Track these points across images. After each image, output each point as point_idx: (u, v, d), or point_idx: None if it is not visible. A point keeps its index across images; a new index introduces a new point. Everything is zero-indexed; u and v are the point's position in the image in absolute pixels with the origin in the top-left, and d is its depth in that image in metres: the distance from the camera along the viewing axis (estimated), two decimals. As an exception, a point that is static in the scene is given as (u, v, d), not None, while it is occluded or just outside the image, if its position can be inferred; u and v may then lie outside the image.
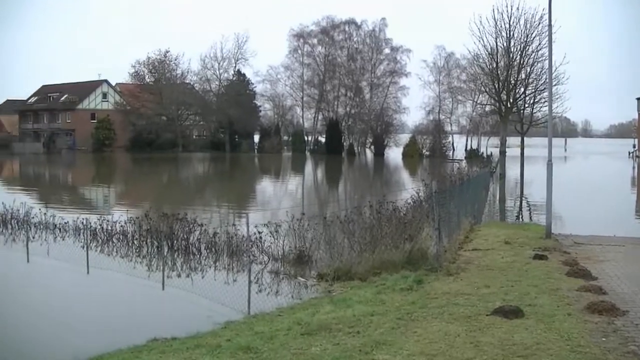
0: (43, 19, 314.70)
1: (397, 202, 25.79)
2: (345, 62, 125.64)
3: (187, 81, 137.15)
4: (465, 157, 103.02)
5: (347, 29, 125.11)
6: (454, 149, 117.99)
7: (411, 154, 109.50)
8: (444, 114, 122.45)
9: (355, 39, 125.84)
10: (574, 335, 11.17)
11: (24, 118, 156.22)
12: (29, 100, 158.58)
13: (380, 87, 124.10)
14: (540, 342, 10.79)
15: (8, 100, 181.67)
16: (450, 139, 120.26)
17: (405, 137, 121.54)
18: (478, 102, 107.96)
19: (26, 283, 22.10)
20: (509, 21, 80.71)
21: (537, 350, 10.40)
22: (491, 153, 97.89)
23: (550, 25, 25.84)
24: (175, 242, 25.36)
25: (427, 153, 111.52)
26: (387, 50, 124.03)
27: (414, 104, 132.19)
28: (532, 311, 12.76)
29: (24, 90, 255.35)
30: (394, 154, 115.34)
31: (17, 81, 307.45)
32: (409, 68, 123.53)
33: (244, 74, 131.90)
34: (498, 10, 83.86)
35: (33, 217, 30.84)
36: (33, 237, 28.26)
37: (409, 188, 38.96)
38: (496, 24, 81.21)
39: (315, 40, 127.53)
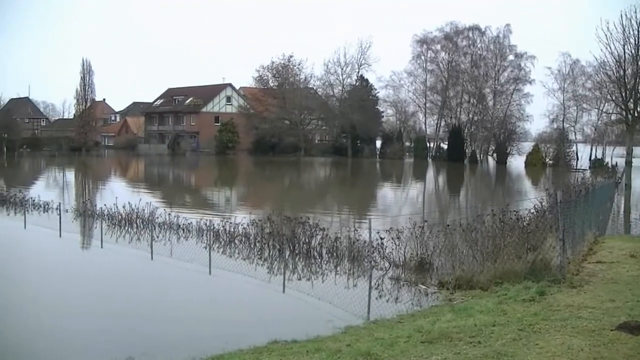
0: (171, 24, 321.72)
1: (520, 212, 25.47)
2: (469, 68, 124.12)
3: (310, 86, 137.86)
4: (590, 167, 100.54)
5: (470, 35, 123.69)
6: (577, 158, 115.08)
7: (534, 163, 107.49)
8: (568, 122, 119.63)
9: (479, 45, 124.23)
10: None
11: (150, 120, 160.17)
12: (155, 103, 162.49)
13: (503, 94, 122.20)
14: (668, 360, 10.51)
15: (135, 102, 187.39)
16: (574, 148, 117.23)
17: (528, 146, 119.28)
18: (604, 110, 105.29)
19: (149, 281, 22.73)
20: (638, 27, 78.39)
21: (663, 369, 10.15)
22: (616, 163, 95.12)
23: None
24: (296, 245, 25.59)
25: (551, 162, 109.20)
26: (511, 57, 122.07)
27: (538, 111, 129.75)
28: (659, 328, 12.37)
29: (150, 93, 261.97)
30: (517, 162, 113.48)
31: (143, 84, 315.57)
32: (533, 75, 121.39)
33: (366, 80, 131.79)
34: (626, 15, 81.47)
35: (157, 217, 31.64)
36: (157, 237, 28.99)
37: (531, 197, 38.33)
38: (624, 30, 78.91)
39: (438, 47, 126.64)
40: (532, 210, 27.66)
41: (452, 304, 16.20)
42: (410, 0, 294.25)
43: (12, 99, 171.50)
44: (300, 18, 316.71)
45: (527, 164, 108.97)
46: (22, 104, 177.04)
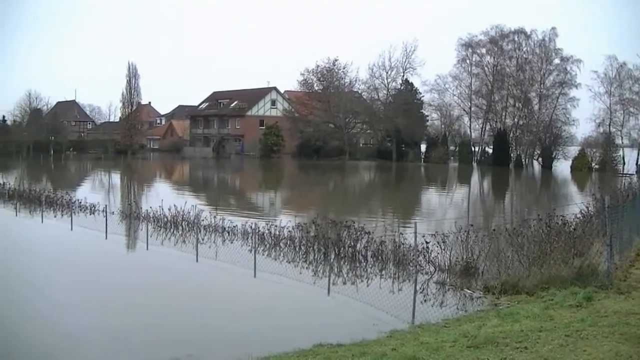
0: (216, 28, 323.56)
1: (566, 216, 25.27)
2: (514, 72, 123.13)
3: (355, 89, 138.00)
4: (637, 172, 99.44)
5: (516, 38, 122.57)
6: (624, 163, 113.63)
7: (580, 167, 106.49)
8: (614, 126, 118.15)
9: (524, 49, 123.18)
10: None
11: (195, 123, 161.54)
12: (200, 106, 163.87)
13: (549, 98, 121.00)
14: None
15: (180, 105, 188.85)
16: (620, 152, 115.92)
17: (574, 150, 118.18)
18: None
19: (194, 283, 22.86)
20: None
21: None
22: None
23: None
24: (341, 249, 25.59)
25: (597, 166, 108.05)
26: (556, 61, 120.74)
27: (584, 115, 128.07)
28: None
29: (195, 96, 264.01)
30: (562, 167, 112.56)
31: (188, 88, 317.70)
32: (579, 79, 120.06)
33: (411, 83, 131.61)
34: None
35: (203, 220, 31.80)
36: (202, 239, 29.07)
37: (577, 202, 38.01)
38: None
39: (483, 50, 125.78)
40: (579, 215, 27.43)
41: (498, 309, 16.12)
42: (455, 3, 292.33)
43: (59, 102, 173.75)
44: (344, 22, 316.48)
45: (573, 168, 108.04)
46: (69, 107, 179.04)
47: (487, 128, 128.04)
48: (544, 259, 20.01)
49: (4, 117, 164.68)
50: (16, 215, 39.52)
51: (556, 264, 19.21)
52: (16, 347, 15.27)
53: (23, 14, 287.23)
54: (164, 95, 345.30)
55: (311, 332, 15.51)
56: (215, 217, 32.35)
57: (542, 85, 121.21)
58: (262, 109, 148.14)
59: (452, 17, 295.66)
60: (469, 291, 19.57)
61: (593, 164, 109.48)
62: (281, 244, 27.72)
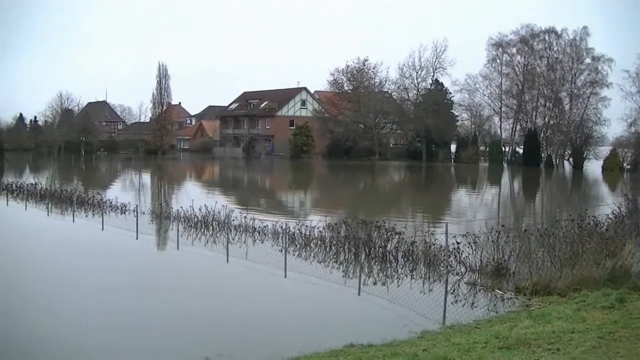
0: (245, 28, 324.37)
1: (598, 217, 25.12)
2: (545, 71, 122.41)
3: (385, 89, 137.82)
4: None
5: (547, 38, 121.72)
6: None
7: (611, 168, 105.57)
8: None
9: (555, 48, 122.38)
10: None
11: (225, 123, 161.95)
12: (230, 107, 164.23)
13: (580, 97, 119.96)
14: None
15: (210, 106, 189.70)
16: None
17: (605, 150, 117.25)
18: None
19: (224, 283, 22.94)
20: None
21: None
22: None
23: None
24: (372, 249, 25.56)
25: (628, 167, 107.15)
26: (588, 60, 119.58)
27: (615, 115, 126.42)
28: None
29: (225, 96, 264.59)
30: (593, 167, 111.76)
31: (218, 88, 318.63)
32: (611, 78, 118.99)
33: (441, 83, 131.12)
34: None
35: (233, 220, 31.86)
36: (233, 239, 29.17)
37: (609, 203, 37.72)
38: None
39: (514, 50, 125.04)
40: (611, 216, 27.22)
41: (529, 310, 16.05)
42: (485, 2, 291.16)
43: (90, 102, 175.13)
44: (374, 21, 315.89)
45: (604, 168, 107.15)
46: (100, 107, 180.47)
47: (517, 128, 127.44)
48: (575, 260, 19.92)
49: (35, 117, 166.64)
50: (48, 215, 39.87)
51: (588, 265, 19.11)
52: (52, 347, 15.39)
53: (54, 15, 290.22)
54: (194, 95, 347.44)
55: (342, 332, 15.51)
56: (245, 217, 32.43)
57: (573, 84, 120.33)
58: (292, 109, 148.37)
59: (482, 16, 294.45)
60: (500, 292, 19.49)
61: (625, 164, 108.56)
62: (312, 244, 27.76)
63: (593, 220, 24.16)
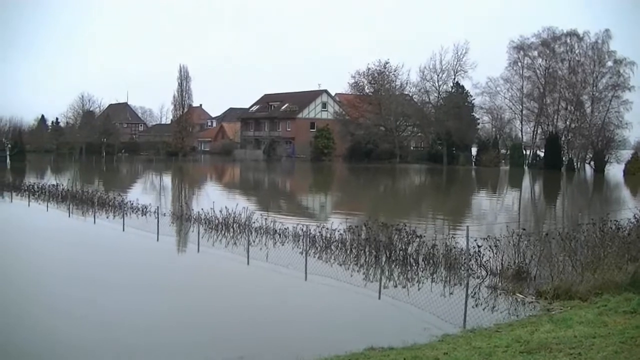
0: (265, 31, 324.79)
1: (620, 221, 25.02)
2: (566, 74, 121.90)
3: (406, 92, 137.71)
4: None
5: (568, 40, 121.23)
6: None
7: (633, 172, 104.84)
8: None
9: (576, 51, 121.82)
10: None
11: (246, 125, 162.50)
12: (251, 109, 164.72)
13: (601, 101, 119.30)
14: None
15: (231, 108, 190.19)
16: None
17: (627, 154, 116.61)
18: None
19: (245, 285, 22.95)
20: None
21: None
22: None
23: None
24: (393, 252, 25.52)
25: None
26: (609, 63, 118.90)
27: (637, 118, 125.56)
28: None
29: (245, 98, 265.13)
30: (615, 171, 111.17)
31: (239, 90, 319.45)
32: (633, 81, 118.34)
33: (462, 86, 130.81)
34: None
35: (254, 222, 31.90)
36: (253, 242, 29.16)
37: (631, 207, 37.55)
38: None
39: (535, 53, 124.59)
40: (632, 220, 27.07)
41: (550, 314, 16.01)
42: (506, 4, 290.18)
43: (111, 104, 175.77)
44: (395, 24, 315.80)
45: (626, 172, 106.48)
46: (121, 109, 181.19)
47: (538, 131, 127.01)
48: (597, 264, 19.85)
49: (57, 119, 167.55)
50: (69, 216, 40.05)
51: (610, 270, 19.04)
52: (74, 348, 15.49)
53: (77, 17, 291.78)
54: (215, 97, 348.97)
55: (362, 335, 15.51)
56: (266, 219, 32.48)
57: (594, 87, 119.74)
58: (312, 111, 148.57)
59: (503, 18, 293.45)
60: (521, 296, 19.41)
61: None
62: (332, 246, 27.70)
63: (615, 224, 24.06)
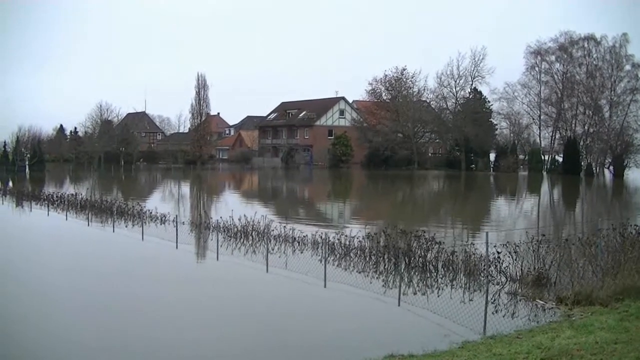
0: (283, 39, 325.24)
1: (640, 226, 24.89)
2: (584, 79, 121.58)
3: (423, 99, 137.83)
4: None
5: (586, 45, 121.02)
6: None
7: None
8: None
9: (594, 56, 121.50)
10: None
11: (264, 133, 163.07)
12: (269, 117, 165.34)
13: (620, 105, 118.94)
14: None
15: (248, 116, 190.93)
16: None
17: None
18: None
19: (265, 293, 22.88)
20: None
21: None
22: None
23: None
24: (412, 259, 25.48)
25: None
26: (627, 67, 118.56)
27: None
28: None
29: (263, 107, 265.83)
30: (634, 175, 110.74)
31: (257, 99, 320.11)
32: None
33: (480, 92, 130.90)
34: None
35: (272, 230, 31.94)
36: (272, 249, 29.23)
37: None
38: None
39: (553, 57, 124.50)
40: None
41: (571, 320, 15.92)
42: (522, 9, 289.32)
43: (129, 113, 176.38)
44: (412, 30, 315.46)
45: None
46: (139, 118, 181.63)
47: (557, 136, 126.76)
48: (617, 270, 19.75)
49: (75, 128, 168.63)
50: (88, 225, 40.19)
51: (631, 275, 18.94)
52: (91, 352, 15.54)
53: (96, 27, 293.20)
54: (233, 106, 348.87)
55: (382, 342, 15.45)
56: (285, 227, 32.50)
57: (612, 92, 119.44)
58: (330, 118, 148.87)
59: (520, 24, 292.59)
60: (541, 302, 19.32)
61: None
62: (351, 254, 27.67)
63: (635, 229, 23.94)
